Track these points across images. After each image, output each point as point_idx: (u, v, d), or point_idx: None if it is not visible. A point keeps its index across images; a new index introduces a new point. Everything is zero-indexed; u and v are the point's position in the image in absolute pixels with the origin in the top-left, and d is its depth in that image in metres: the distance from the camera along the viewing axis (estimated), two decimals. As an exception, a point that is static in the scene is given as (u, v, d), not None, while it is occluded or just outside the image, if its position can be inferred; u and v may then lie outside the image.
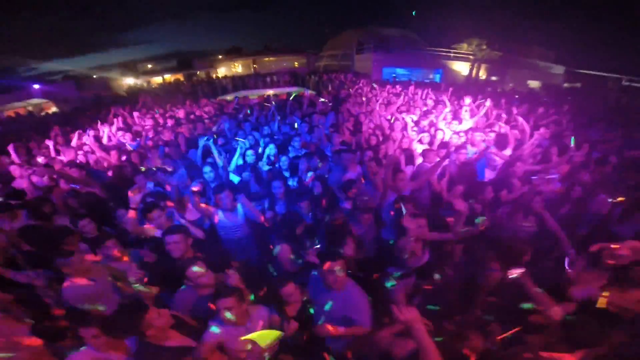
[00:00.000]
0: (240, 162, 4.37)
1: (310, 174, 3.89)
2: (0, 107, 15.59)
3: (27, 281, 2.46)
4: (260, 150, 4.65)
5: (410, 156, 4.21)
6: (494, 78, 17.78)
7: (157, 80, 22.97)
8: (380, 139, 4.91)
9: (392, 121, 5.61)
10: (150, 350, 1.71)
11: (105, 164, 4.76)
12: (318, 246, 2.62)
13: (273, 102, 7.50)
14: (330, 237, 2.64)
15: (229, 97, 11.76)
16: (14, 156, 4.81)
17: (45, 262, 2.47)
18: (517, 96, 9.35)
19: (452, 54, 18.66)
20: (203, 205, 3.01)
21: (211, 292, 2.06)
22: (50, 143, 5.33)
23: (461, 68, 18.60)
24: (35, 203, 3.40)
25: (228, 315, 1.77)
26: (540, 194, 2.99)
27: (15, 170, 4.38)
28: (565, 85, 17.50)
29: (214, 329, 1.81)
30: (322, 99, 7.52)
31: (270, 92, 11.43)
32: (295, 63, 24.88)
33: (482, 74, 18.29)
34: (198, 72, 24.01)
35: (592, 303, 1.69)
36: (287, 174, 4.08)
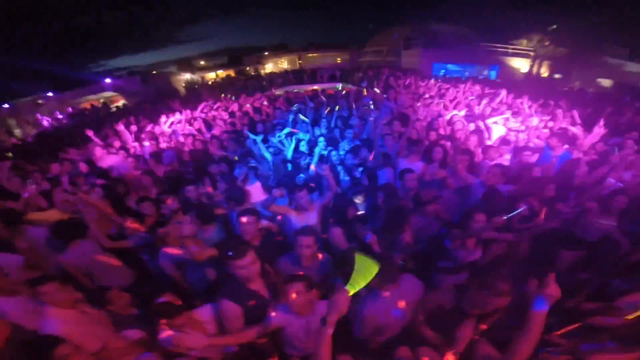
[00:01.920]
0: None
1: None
2: (78, 99, 17.75)
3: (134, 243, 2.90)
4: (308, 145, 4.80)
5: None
6: (557, 76, 16.26)
7: (211, 75, 24.43)
8: (441, 134, 4.82)
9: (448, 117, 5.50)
10: (238, 288, 1.87)
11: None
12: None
13: (323, 97, 7.71)
14: (388, 221, 2.66)
15: (277, 92, 12.21)
16: (96, 140, 5.47)
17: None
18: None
19: (510, 50, 17.36)
20: (276, 207, 3.02)
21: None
22: (127, 130, 6.03)
23: (520, 65, 17.23)
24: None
25: (294, 299, 1.77)
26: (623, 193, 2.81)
27: (98, 151, 5.05)
28: (641, 84, 15.44)
29: (277, 314, 1.84)
30: (367, 93, 7.51)
31: (316, 87, 11.64)
32: (338, 59, 24.98)
33: (544, 72, 16.80)
34: (247, 68, 25.12)
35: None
36: (339, 168, 4.16)
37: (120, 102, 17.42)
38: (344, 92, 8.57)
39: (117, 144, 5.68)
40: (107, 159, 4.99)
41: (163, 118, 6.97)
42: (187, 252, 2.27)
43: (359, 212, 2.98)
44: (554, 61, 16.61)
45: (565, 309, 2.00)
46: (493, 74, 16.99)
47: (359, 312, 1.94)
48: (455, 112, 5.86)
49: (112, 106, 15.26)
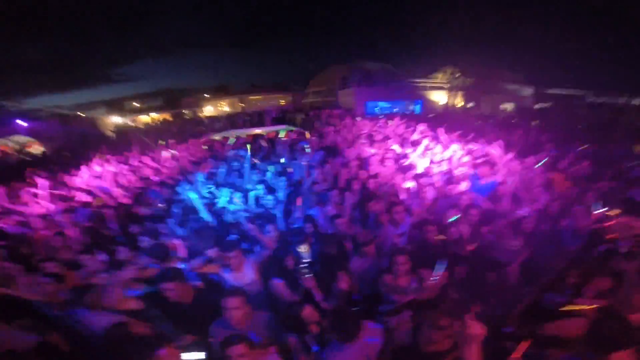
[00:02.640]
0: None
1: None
2: None
3: None
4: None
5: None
6: (470, 105, 18.82)
7: (144, 118, 23.22)
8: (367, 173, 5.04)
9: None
10: None
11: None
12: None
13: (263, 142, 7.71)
14: (324, 267, 2.74)
15: (216, 137, 11.92)
16: None
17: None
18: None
19: (428, 85, 19.81)
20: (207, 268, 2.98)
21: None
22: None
23: (439, 97, 19.70)
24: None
25: None
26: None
27: None
28: (537, 106, 18.63)
29: None
30: (306, 141, 7.73)
31: (258, 131, 11.65)
32: (282, 101, 25.81)
33: (459, 102, 19.35)
34: (185, 111, 24.49)
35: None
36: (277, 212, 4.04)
37: (35, 148, 15.35)
38: (283, 137, 8.69)
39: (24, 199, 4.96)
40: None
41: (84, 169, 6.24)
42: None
43: (304, 260, 2.88)
44: (465, 91, 19.29)
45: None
46: (417, 108, 19.08)
47: None
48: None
49: (24, 151, 13.36)
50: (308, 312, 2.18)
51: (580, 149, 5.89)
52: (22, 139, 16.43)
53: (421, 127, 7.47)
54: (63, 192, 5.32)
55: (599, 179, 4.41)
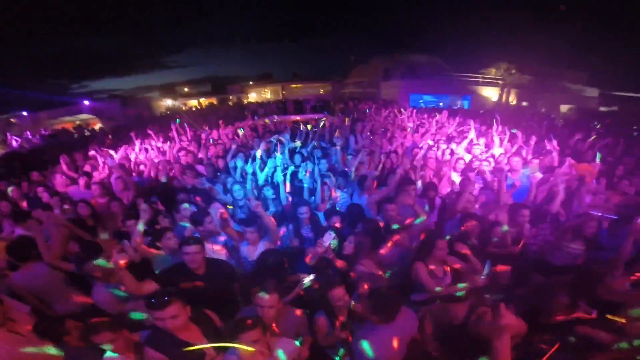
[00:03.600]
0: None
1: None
2: (52, 120, 17.36)
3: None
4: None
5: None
6: (524, 103, 17.40)
7: (193, 102, 24.64)
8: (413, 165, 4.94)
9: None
10: (165, 336, 1.76)
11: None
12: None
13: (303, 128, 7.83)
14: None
15: (260, 122, 12.32)
16: (63, 167, 5.37)
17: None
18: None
19: (480, 79, 18.58)
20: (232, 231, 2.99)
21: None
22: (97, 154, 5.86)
23: (490, 93, 18.39)
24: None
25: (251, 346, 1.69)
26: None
27: (58, 179, 4.91)
28: (602, 109, 16.77)
29: None
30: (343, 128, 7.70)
31: (298, 118, 11.89)
32: (321, 90, 25.83)
33: (512, 99, 17.95)
34: (231, 97, 25.54)
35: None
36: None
37: (97, 126, 17.06)
38: (322, 124, 8.76)
39: (87, 168, 5.54)
40: (67, 187, 4.84)
41: (137, 144, 6.80)
42: (124, 286, 2.20)
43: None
44: (520, 89, 17.83)
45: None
46: (466, 103, 18.00)
47: (360, 351, 1.87)
48: (430, 141, 6.09)
49: (88, 129, 14.89)
50: (339, 292, 2.16)
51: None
52: (85, 117, 18.34)
53: (471, 122, 7.10)
54: (117, 163, 5.65)
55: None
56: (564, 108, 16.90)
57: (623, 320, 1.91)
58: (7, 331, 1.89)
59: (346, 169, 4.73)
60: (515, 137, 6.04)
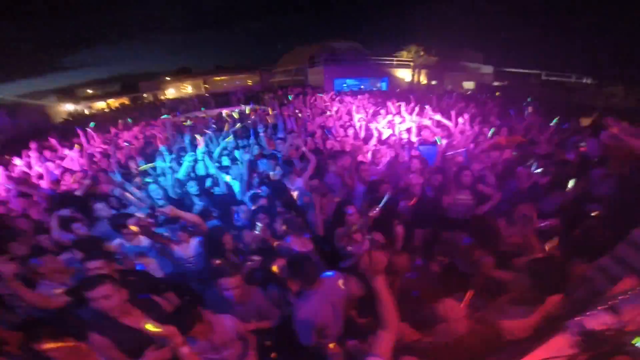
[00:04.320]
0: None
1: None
2: None
3: None
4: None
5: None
6: (433, 82, 19.44)
7: (100, 105, 21.60)
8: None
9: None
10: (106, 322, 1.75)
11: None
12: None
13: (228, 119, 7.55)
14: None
15: (181, 118, 11.44)
16: None
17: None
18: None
19: (394, 62, 20.11)
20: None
21: None
22: None
23: (404, 75, 20.09)
24: None
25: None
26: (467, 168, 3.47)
27: None
28: (495, 83, 19.67)
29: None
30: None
31: (225, 111, 11.33)
32: (249, 81, 24.95)
33: (423, 79, 19.88)
34: (144, 95, 23.00)
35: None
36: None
37: None
38: (248, 113, 8.55)
39: None
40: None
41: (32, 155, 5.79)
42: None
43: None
44: (429, 69, 19.83)
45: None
46: (384, 85, 19.43)
47: (297, 319, 1.94)
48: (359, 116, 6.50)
49: None
50: (279, 264, 2.29)
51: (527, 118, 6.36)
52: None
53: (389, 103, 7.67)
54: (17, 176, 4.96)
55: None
56: (466, 84, 19.37)
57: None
58: None
59: (275, 152, 4.82)
60: (424, 112, 6.72)
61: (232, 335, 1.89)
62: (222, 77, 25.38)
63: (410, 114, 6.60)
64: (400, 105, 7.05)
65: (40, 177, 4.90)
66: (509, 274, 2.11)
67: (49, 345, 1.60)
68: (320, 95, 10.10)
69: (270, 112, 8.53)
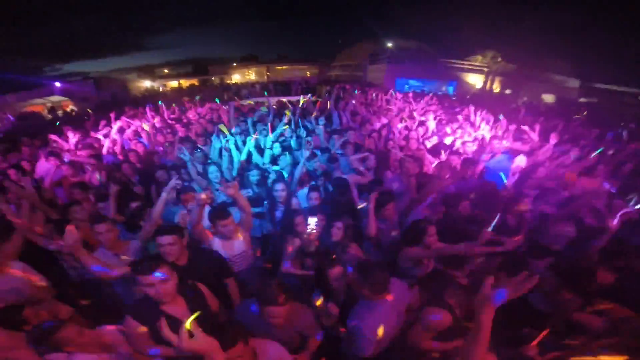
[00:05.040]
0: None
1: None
2: (22, 103, 16.16)
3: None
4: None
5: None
6: (507, 91, 17.61)
7: (173, 84, 23.57)
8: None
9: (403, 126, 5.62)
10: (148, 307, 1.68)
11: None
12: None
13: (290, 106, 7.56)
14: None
15: (243, 102, 11.88)
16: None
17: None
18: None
19: (465, 66, 18.60)
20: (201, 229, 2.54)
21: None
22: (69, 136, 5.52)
23: (475, 80, 18.50)
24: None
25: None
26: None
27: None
28: (582, 99, 17.18)
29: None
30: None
31: (284, 99, 11.52)
32: (307, 72, 25.25)
33: (496, 87, 18.12)
34: (213, 78, 24.56)
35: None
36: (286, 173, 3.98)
37: (69, 107, 16.13)
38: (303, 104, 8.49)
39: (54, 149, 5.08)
40: (41, 167, 4.53)
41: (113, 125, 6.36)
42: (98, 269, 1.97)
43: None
44: (505, 77, 17.98)
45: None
46: (451, 89, 18.04)
47: (360, 329, 1.79)
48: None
49: (59, 111, 14.00)
50: (337, 271, 2.08)
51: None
52: (57, 99, 17.23)
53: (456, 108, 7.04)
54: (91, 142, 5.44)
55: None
56: (545, 97, 17.21)
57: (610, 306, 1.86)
58: None
59: (329, 147, 4.64)
60: (498, 123, 6.02)
61: None
62: (284, 67, 26.02)
63: (487, 123, 5.94)
64: (478, 114, 6.39)
65: (114, 143, 5.33)
66: (598, 319, 1.83)
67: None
68: (383, 93, 9.64)
69: (328, 106, 8.36)
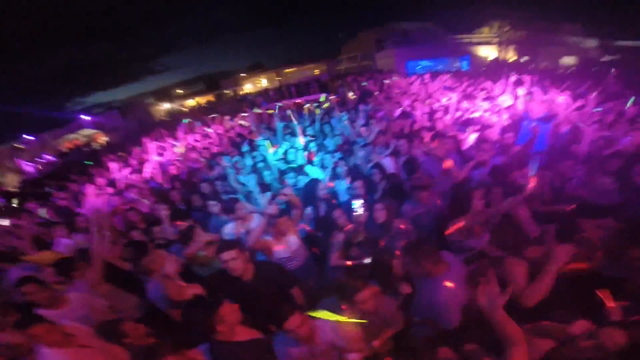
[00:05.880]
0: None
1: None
2: (57, 140, 17.34)
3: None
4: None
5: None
6: (524, 58, 17.00)
7: (190, 103, 24.53)
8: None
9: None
10: (222, 348, 1.76)
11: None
12: None
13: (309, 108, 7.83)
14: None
15: (260, 110, 12.21)
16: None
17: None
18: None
19: (474, 40, 18.15)
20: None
21: None
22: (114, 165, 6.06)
23: (488, 53, 18.00)
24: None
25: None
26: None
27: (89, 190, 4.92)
28: (603, 59, 16.22)
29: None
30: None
31: (299, 100, 11.80)
32: (316, 71, 25.42)
33: (512, 56, 17.55)
34: (226, 91, 25.31)
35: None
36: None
37: (102, 139, 17.07)
38: (326, 103, 8.70)
39: (101, 181, 5.64)
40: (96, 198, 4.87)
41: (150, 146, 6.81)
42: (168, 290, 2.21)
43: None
44: (518, 44, 17.38)
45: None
46: (465, 64, 17.62)
47: (437, 302, 1.85)
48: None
49: (93, 143, 15.01)
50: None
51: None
52: (88, 132, 18.38)
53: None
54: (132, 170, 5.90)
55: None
56: (566, 60, 16.48)
57: None
58: (77, 346, 1.90)
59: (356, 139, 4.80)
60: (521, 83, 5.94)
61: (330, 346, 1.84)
62: (291, 69, 26.39)
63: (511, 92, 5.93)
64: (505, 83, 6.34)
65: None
66: None
67: None
68: (395, 78, 9.70)
69: (349, 97, 8.50)
